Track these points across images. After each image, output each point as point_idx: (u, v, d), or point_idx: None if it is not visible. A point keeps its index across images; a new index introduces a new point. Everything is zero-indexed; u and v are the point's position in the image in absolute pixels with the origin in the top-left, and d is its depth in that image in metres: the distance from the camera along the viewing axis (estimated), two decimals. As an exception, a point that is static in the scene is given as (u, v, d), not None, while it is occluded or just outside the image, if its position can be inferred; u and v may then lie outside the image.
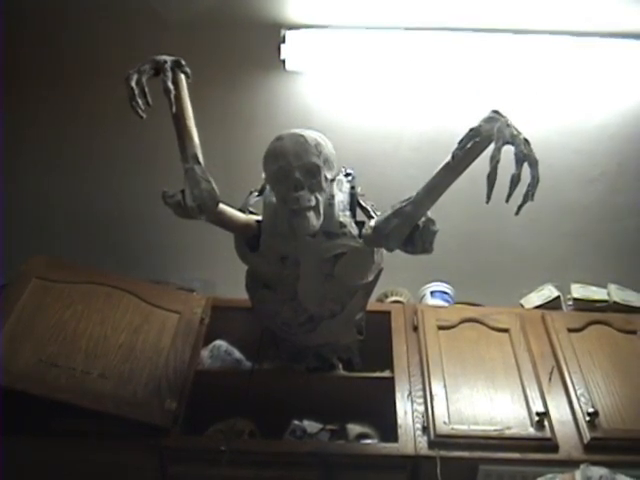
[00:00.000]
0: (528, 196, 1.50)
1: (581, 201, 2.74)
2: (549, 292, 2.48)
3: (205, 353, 2.21)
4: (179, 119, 1.75)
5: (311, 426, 2.05)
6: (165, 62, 1.74)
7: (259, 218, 1.93)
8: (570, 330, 2.25)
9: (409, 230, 1.65)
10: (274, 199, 1.88)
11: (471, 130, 1.56)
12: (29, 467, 1.89)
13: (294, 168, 1.72)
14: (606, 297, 2.44)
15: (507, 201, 1.46)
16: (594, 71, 2.40)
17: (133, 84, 1.67)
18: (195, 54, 2.38)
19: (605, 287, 2.49)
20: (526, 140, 1.51)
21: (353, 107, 2.53)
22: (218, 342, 2.26)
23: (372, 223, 1.79)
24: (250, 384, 2.00)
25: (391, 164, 2.64)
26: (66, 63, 2.46)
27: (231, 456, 1.82)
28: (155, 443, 1.90)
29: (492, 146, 1.53)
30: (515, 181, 1.48)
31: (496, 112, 1.56)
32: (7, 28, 2.29)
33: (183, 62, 1.78)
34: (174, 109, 1.72)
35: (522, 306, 2.48)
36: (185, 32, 2.35)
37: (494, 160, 1.48)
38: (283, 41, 2.29)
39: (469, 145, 1.55)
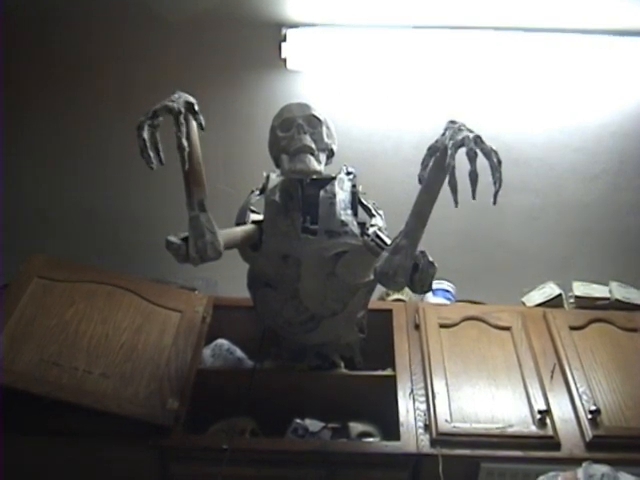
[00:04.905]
0: (497, 182, 1.44)
1: (582, 199, 2.74)
2: (551, 290, 2.47)
3: (207, 352, 2.21)
4: (188, 163, 1.68)
5: (313, 425, 2.04)
6: (180, 113, 1.64)
7: (260, 218, 1.93)
8: (572, 328, 2.25)
9: (412, 263, 1.59)
10: (276, 197, 1.88)
11: (429, 149, 1.53)
12: (29, 467, 1.89)
13: (297, 117, 1.85)
14: (608, 295, 2.43)
15: (473, 198, 1.41)
16: (595, 69, 2.39)
17: (145, 136, 1.58)
18: (196, 53, 2.40)
19: (607, 285, 2.48)
20: (477, 137, 1.46)
21: (354, 106, 2.53)
22: (220, 341, 2.26)
23: (370, 230, 1.81)
24: (252, 383, 2.00)
25: (392, 163, 2.64)
26: (63, 63, 2.45)
27: (233, 455, 1.82)
28: (157, 442, 1.90)
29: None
30: (473, 178, 1.43)
31: (451, 122, 1.53)
32: (4, 27, 2.29)
33: (196, 107, 1.69)
34: (187, 167, 1.67)
35: (524, 304, 2.47)
36: (186, 31, 2.35)
37: (449, 167, 1.45)
38: (284, 40, 2.29)
39: (431, 164, 1.53)
